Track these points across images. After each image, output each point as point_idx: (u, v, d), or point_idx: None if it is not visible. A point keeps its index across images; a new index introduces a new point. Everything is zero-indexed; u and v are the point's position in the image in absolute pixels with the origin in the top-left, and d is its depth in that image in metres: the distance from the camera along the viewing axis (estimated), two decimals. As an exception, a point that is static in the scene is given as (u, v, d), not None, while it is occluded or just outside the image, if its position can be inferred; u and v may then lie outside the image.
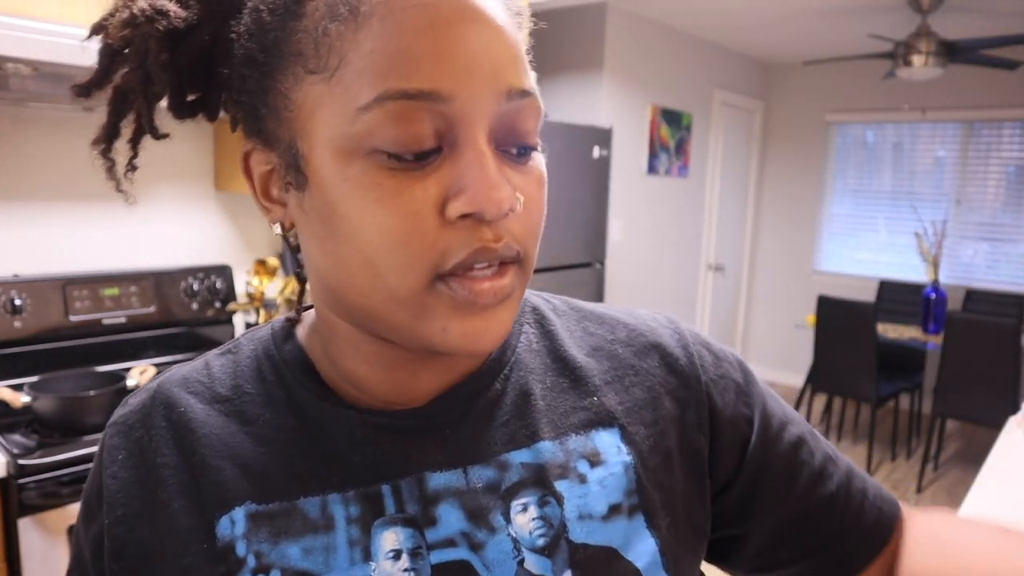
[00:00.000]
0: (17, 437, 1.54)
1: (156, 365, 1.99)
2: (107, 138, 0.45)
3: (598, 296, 3.41)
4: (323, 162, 0.40)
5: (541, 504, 0.46)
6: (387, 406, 0.48)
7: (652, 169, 4.22)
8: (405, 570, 0.43)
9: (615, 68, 3.84)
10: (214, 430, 0.46)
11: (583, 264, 3.22)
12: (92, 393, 1.68)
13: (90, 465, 0.55)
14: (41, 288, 1.86)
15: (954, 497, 3.55)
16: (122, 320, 1.99)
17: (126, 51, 0.43)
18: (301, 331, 0.51)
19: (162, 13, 0.42)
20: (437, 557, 0.44)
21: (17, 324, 1.81)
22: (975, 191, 4.73)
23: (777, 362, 5.46)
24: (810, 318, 4.13)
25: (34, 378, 1.73)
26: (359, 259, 0.40)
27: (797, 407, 4.15)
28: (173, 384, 0.49)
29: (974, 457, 4.08)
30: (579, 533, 0.46)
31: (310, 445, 0.46)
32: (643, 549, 0.47)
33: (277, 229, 0.46)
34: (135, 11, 0.42)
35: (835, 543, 0.54)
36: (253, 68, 0.42)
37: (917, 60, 3.45)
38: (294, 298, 0.56)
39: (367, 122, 0.38)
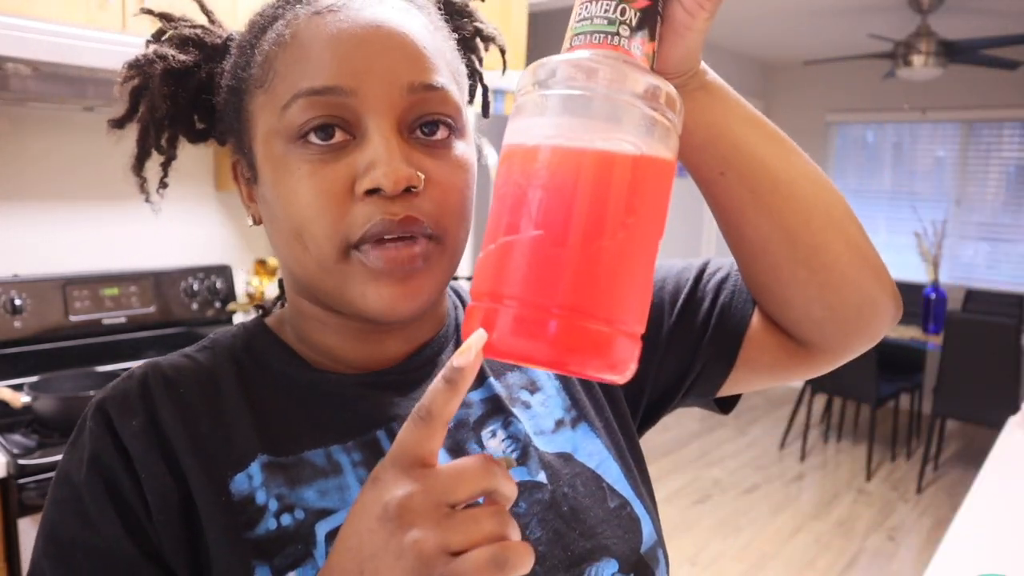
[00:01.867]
0: (17, 437, 1.54)
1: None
2: (138, 161, 0.55)
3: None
4: (262, 155, 0.49)
5: (506, 426, 0.54)
6: (363, 371, 0.54)
7: (652, 169, 4.21)
8: None
9: (615, 68, 3.84)
10: (212, 405, 0.51)
11: (583, 264, 3.22)
12: (92, 393, 1.68)
13: None
14: (41, 288, 1.86)
15: (954, 497, 3.55)
16: (122, 320, 1.99)
17: (144, 90, 0.53)
18: (271, 323, 0.57)
19: (162, 57, 0.52)
20: None
21: (17, 324, 1.81)
22: (975, 191, 4.73)
23: (777, 362, 5.45)
24: (810, 318, 4.12)
25: (34, 378, 1.73)
26: (292, 233, 0.47)
27: (797, 407, 4.16)
28: (163, 368, 0.52)
29: (974, 457, 4.07)
30: (541, 444, 0.54)
31: (303, 409, 0.51)
32: (592, 450, 0.56)
33: (249, 221, 0.54)
34: (139, 57, 0.53)
35: (706, 338, 0.60)
36: (231, 94, 0.51)
37: (917, 60, 3.46)
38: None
39: (289, 116, 0.46)
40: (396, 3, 0.49)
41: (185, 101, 0.54)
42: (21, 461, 1.43)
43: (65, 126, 1.94)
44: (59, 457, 0.50)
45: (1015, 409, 2.05)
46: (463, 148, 0.50)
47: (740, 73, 5.00)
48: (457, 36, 0.55)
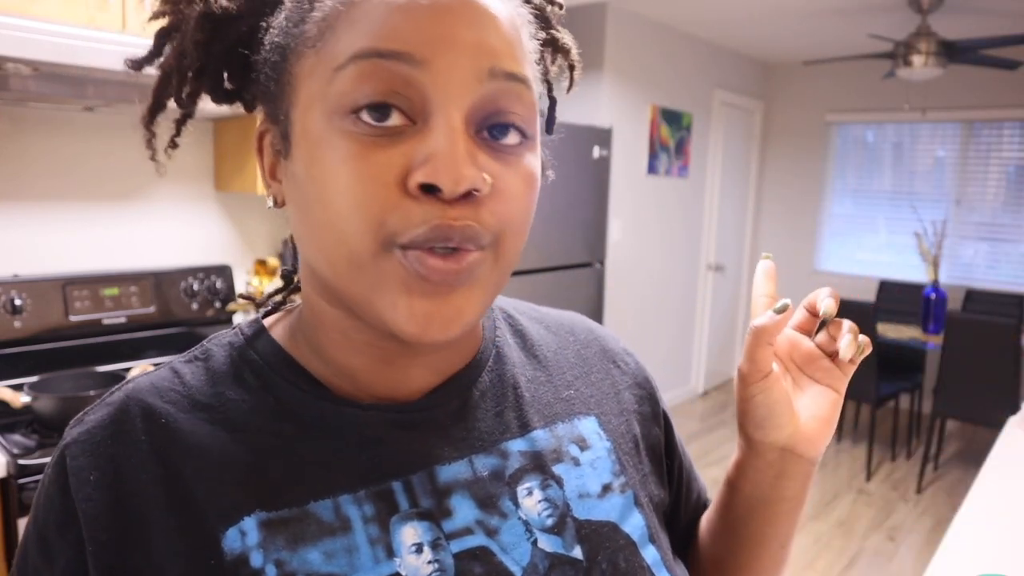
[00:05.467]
0: (17, 437, 1.54)
1: (156, 365, 1.99)
2: (151, 112, 0.47)
3: (598, 296, 3.41)
4: (302, 125, 0.41)
5: (543, 487, 0.49)
6: (382, 401, 0.47)
7: (652, 169, 4.22)
8: (429, 562, 0.43)
9: (615, 68, 3.84)
10: (203, 440, 0.44)
11: (583, 264, 3.22)
12: (92, 393, 1.68)
13: None
14: (41, 288, 1.86)
15: (954, 497, 3.55)
16: (122, 320, 1.99)
17: (174, 32, 0.46)
18: (276, 331, 0.50)
19: None
20: (457, 546, 0.44)
21: (17, 324, 1.81)
22: (975, 191, 4.73)
23: (777, 362, 5.45)
24: (810, 318, 4.12)
25: (34, 378, 1.73)
26: (325, 220, 0.40)
27: (797, 407, 4.15)
28: (145, 394, 0.45)
29: (974, 457, 4.08)
30: (581, 510, 0.49)
31: (310, 448, 0.45)
32: (635, 523, 0.51)
33: (269, 203, 0.47)
34: None
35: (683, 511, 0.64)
36: (275, 53, 0.43)
37: (917, 60, 3.46)
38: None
39: (341, 81, 0.39)
40: None
41: (219, 53, 0.46)
42: (21, 461, 1.44)
43: (65, 126, 1.94)
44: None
45: (1015, 409, 2.05)
46: (532, 159, 0.43)
47: (740, 73, 5.00)
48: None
